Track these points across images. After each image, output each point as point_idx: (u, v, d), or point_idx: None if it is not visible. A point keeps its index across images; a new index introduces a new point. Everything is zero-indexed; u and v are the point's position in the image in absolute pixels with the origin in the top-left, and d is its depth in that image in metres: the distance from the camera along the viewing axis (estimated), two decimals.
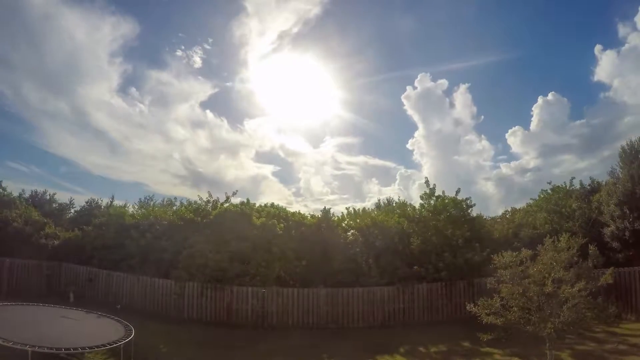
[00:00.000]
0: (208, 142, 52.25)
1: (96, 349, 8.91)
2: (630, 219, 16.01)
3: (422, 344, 13.22)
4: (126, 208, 23.86)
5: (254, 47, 53.29)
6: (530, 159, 45.61)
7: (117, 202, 25.58)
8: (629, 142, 17.51)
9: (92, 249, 19.33)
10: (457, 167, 44.64)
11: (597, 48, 41.46)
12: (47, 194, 27.30)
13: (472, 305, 9.81)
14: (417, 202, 20.27)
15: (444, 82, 45.57)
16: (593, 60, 43.23)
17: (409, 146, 50.39)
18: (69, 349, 8.58)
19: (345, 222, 19.92)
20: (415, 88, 44.69)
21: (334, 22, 53.48)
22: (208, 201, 18.87)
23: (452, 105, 49.03)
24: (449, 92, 48.97)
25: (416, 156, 48.69)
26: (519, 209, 23.42)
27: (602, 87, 44.90)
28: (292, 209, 21.11)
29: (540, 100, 41.99)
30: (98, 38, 45.82)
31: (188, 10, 49.25)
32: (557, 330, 8.87)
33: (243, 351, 12.59)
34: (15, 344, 8.16)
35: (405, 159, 61.03)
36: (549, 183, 21.87)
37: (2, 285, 17.64)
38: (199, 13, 49.78)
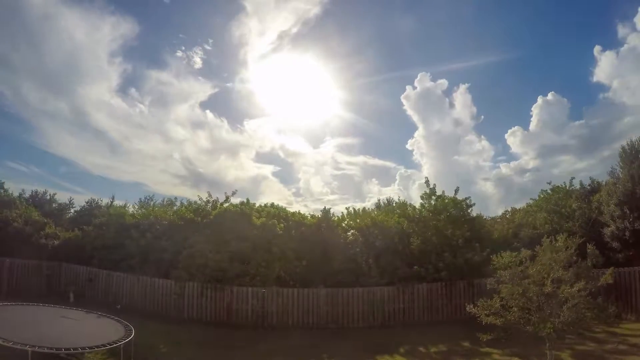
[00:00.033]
0: (208, 142, 52.32)
1: (96, 349, 8.90)
2: (630, 219, 16.01)
3: (422, 344, 13.23)
4: (126, 208, 23.91)
5: (253, 47, 53.35)
6: (529, 159, 45.71)
7: (117, 202, 25.63)
8: (629, 142, 17.52)
9: (92, 249, 19.33)
10: (457, 167, 44.69)
11: (597, 49, 41.54)
12: (47, 194, 27.37)
13: (472, 306, 9.82)
14: (417, 202, 20.32)
15: (443, 82, 45.63)
16: (592, 61, 43.29)
17: (408, 146, 50.47)
18: (69, 349, 8.58)
19: (345, 222, 19.93)
20: (415, 88, 44.73)
21: (333, 22, 53.53)
22: (208, 201, 18.88)
23: (451, 105, 49.08)
24: (448, 92, 49.02)
25: (416, 156, 48.76)
26: (519, 209, 23.44)
27: (602, 87, 44.98)
28: (292, 209, 21.16)
29: (539, 100, 42.07)
30: (98, 38, 45.89)
31: (188, 10, 49.32)
32: (557, 330, 8.88)
33: (243, 351, 12.60)
34: (15, 344, 8.16)
35: (405, 159, 61.10)
36: (549, 183, 21.90)
37: (2, 285, 17.65)
38: (199, 13, 49.83)
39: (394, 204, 24.79)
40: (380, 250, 17.72)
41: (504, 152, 54.17)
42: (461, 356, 12.00)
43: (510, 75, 50.39)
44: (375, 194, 55.49)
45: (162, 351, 11.98)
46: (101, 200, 26.22)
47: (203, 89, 56.74)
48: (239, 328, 15.29)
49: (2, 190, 23.38)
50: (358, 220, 19.34)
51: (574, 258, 9.36)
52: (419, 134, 47.08)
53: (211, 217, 17.90)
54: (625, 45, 40.68)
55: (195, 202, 19.22)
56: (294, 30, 52.01)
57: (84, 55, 46.06)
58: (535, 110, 41.66)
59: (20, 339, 8.37)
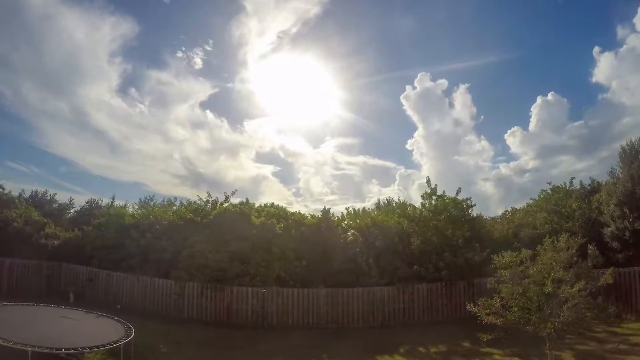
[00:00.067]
0: (208, 142, 52.31)
1: (96, 349, 8.89)
2: (630, 219, 16.02)
3: (422, 344, 13.22)
4: (126, 208, 23.91)
5: (253, 47, 53.34)
6: (528, 160, 45.74)
7: (117, 202, 25.65)
8: (629, 142, 17.54)
9: (92, 249, 19.34)
10: (457, 167, 44.69)
11: (596, 49, 41.56)
12: (47, 194, 27.39)
13: (472, 305, 9.82)
14: (416, 202, 20.37)
15: (443, 82, 45.59)
16: (592, 62, 43.31)
17: (408, 146, 50.46)
18: (69, 349, 8.57)
19: (345, 222, 19.94)
20: (414, 88, 44.71)
21: (333, 22, 53.52)
22: (207, 201, 18.89)
23: (451, 105, 49.07)
24: (448, 92, 49.01)
25: (416, 156, 48.74)
26: (519, 209, 23.46)
27: (601, 88, 44.98)
28: (292, 209, 21.17)
29: (539, 100, 42.06)
30: (97, 38, 45.88)
31: (188, 10, 49.30)
32: (557, 330, 8.88)
33: (243, 351, 12.59)
34: (15, 344, 8.16)
35: (405, 159, 61.10)
36: (549, 183, 21.92)
37: (2, 285, 17.65)
38: (199, 13, 49.83)
39: (394, 204, 24.81)
40: (380, 250, 17.72)
41: (503, 153, 54.22)
42: (461, 356, 11.99)
43: (510, 76, 50.48)
44: (375, 194, 55.53)
45: (162, 351, 11.98)
46: (101, 200, 26.29)
47: (203, 89, 56.79)
48: (239, 328, 15.28)
49: (2, 190, 23.36)
50: (358, 220, 19.34)
51: (575, 258, 9.36)
52: (418, 134, 47.15)
53: (211, 217, 17.90)
54: (625, 46, 40.79)
55: (195, 202, 19.23)
56: (294, 30, 52.05)
57: (84, 55, 46.11)
58: (534, 110, 41.73)
59: (20, 339, 8.36)
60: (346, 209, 20.89)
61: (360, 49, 52.64)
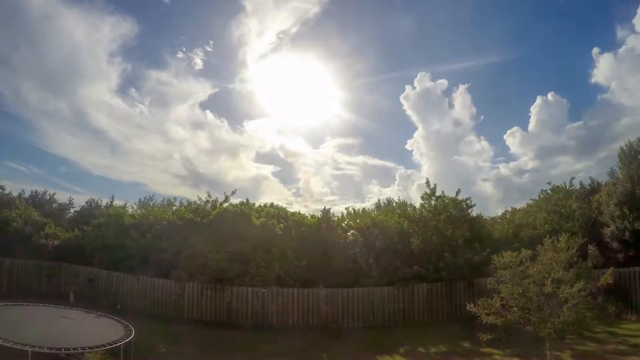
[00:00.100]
0: (208, 143, 52.29)
1: (96, 349, 8.90)
2: (630, 219, 16.02)
3: (422, 344, 13.23)
4: (126, 208, 23.86)
5: (253, 47, 53.28)
6: (528, 160, 45.70)
7: (117, 202, 25.59)
8: (628, 143, 17.55)
9: (92, 249, 19.33)
10: (457, 167, 44.60)
11: (595, 50, 41.53)
12: (47, 194, 27.40)
13: (472, 306, 9.83)
14: (416, 202, 20.35)
15: (443, 82, 45.50)
16: (591, 62, 43.31)
17: (408, 147, 50.36)
18: (69, 349, 8.58)
19: (345, 222, 19.94)
20: (414, 88, 44.67)
21: (333, 22, 53.50)
22: (207, 201, 18.87)
23: (451, 105, 49.03)
24: (448, 93, 48.96)
25: (416, 156, 48.69)
26: (519, 209, 23.44)
27: (600, 89, 44.95)
28: (292, 209, 21.19)
29: (538, 100, 41.99)
30: (97, 38, 45.85)
31: (187, 10, 49.27)
32: (557, 330, 8.88)
33: (243, 351, 12.60)
34: (15, 344, 8.17)
35: (405, 159, 61.07)
36: (549, 183, 21.91)
37: (2, 285, 17.66)
38: (199, 14, 49.79)
39: (394, 204, 24.80)
40: (380, 250, 17.72)
41: (503, 153, 54.16)
42: (461, 356, 12.00)
43: (510, 76, 50.45)
44: (375, 194, 55.52)
45: (162, 351, 11.98)
46: (101, 201, 26.23)
47: (203, 89, 56.77)
48: (239, 328, 15.28)
49: (2, 190, 23.36)
50: (358, 221, 19.34)
51: (575, 258, 9.37)
52: (418, 134, 47.06)
53: (211, 217, 17.89)
54: (624, 47, 40.74)
55: (195, 202, 19.22)
56: (294, 30, 52.04)
57: (84, 55, 46.09)
58: (534, 110, 41.68)
59: (20, 339, 8.37)
60: (346, 209, 20.91)
61: (360, 49, 52.68)
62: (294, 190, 53.91)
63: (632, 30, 39.27)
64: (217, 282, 16.12)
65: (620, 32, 41.60)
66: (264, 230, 17.07)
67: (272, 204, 20.48)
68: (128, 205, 24.83)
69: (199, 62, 49.94)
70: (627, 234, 16.03)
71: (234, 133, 53.30)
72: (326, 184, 50.58)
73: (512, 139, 44.44)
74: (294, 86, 51.33)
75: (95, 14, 45.78)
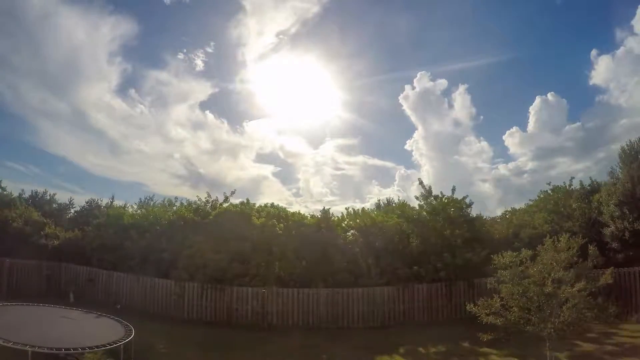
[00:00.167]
0: (208, 143, 52.21)
1: (96, 349, 8.90)
2: (630, 219, 16.01)
3: (421, 345, 13.22)
4: (126, 208, 23.85)
5: (253, 47, 53.17)
6: (527, 161, 45.61)
7: (117, 203, 25.59)
8: (628, 143, 17.55)
9: (92, 249, 19.35)
10: (456, 168, 44.49)
11: (594, 51, 41.42)
12: (47, 194, 27.38)
13: (472, 306, 9.82)
14: (416, 202, 20.29)
15: (443, 82, 45.38)
16: (589, 63, 43.24)
17: (407, 147, 50.24)
18: (69, 349, 8.58)
19: (345, 222, 19.93)
20: (414, 88, 44.60)
21: (333, 21, 53.36)
22: (207, 201, 18.90)
23: (450, 105, 48.96)
24: (447, 93, 48.89)
25: (415, 157, 48.62)
26: (519, 209, 23.44)
27: (598, 90, 44.91)
28: (292, 209, 21.16)
29: (537, 100, 41.85)
30: (97, 38, 45.72)
31: (186, 9, 49.23)
32: (557, 330, 8.88)
33: (243, 352, 12.59)
34: (16, 344, 8.17)
35: (405, 159, 60.99)
36: (549, 184, 21.90)
37: (2, 285, 17.65)
38: (198, 13, 49.71)
39: (394, 205, 24.79)
40: (380, 250, 17.72)
41: (502, 153, 54.08)
42: (460, 357, 11.99)
43: (509, 76, 50.32)
44: (375, 195, 55.46)
45: (162, 351, 11.97)
46: (101, 201, 26.25)
47: (203, 89, 56.75)
48: (239, 328, 15.28)
49: (2, 190, 23.36)
50: (358, 221, 19.33)
51: (575, 259, 9.36)
52: (418, 134, 46.97)
53: (211, 217, 17.91)
54: (622, 48, 40.64)
55: (195, 202, 19.25)
56: (293, 30, 51.96)
57: (84, 55, 45.95)
58: (532, 111, 41.60)
59: (20, 339, 8.38)
60: (346, 209, 20.87)
61: (360, 49, 52.61)
62: (294, 190, 53.84)
63: (631, 32, 39.20)
64: (217, 282, 16.12)
65: (619, 33, 41.58)
66: (264, 231, 17.08)
67: (272, 204, 20.49)
68: (128, 205, 24.85)
69: (199, 63, 49.94)
70: (627, 234, 16.02)
71: (234, 133, 53.27)
72: (326, 184, 50.52)
73: (511, 139, 44.39)
74: (294, 86, 51.25)
75: (95, 14, 45.73)
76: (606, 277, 9.32)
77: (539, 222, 19.50)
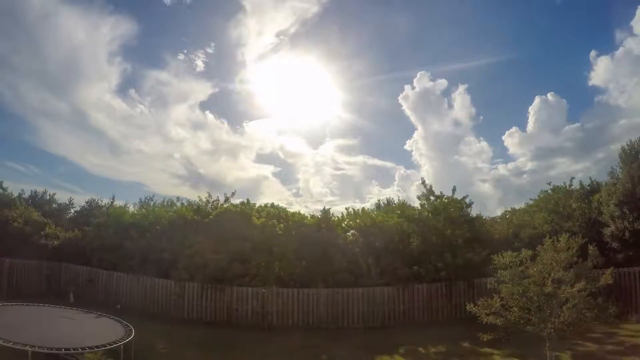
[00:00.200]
0: (208, 143, 52.22)
1: (96, 349, 8.90)
2: (630, 219, 16.01)
3: (421, 345, 13.22)
4: (126, 208, 23.88)
5: (253, 47, 53.15)
6: (526, 161, 45.63)
7: (117, 202, 25.59)
8: (629, 143, 17.55)
9: (92, 249, 19.36)
10: (456, 168, 44.48)
11: (593, 51, 41.47)
12: (47, 194, 27.36)
13: (472, 306, 9.82)
14: (416, 202, 20.34)
15: (443, 82, 45.38)
16: (589, 64, 43.24)
17: (407, 147, 50.23)
18: (69, 349, 8.58)
19: (345, 222, 19.93)
20: (413, 88, 44.58)
21: (333, 21, 53.38)
22: (208, 201, 18.92)
23: (450, 105, 48.94)
24: (447, 93, 48.89)
25: (415, 157, 48.61)
26: (519, 209, 23.45)
27: (597, 90, 44.91)
28: (292, 209, 21.18)
29: (536, 101, 41.87)
30: (97, 38, 45.74)
31: (186, 9, 49.21)
32: (557, 330, 8.88)
33: (243, 352, 12.59)
34: (16, 344, 8.18)
35: (405, 159, 60.96)
36: (549, 184, 21.91)
37: (2, 285, 17.65)
38: (198, 14, 49.73)
39: (394, 205, 24.80)
40: (380, 250, 17.72)
41: (502, 154, 54.05)
42: (461, 357, 11.99)
43: (509, 76, 50.33)
44: (375, 195, 55.46)
45: (162, 351, 11.97)
46: (101, 201, 26.26)
47: (203, 89, 56.79)
48: (239, 328, 15.28)
49: (2, 190, 23.36)
50: (358, 221, 19.33)
51: (575, 259, 9.36)
52: (418, 134, 46.97)
53: (211, 217, 17.92)
54: (621, 49, 40.66)
55: (195, 203, 19.26)
56: (293, 30, 51.97)
57: (84, 55, 45.98)
58: (532, 111, 41.60)
59: (20, 339, 8.38)
60: (346, 209, 20.87)
61: (360, 49, 52.60)
62: (294, 190, 53.83)
63: (630, 33, 39.21)
64: (217, 282, 16.12)
65: (619, 34, 41.59)
66: (264, 231, 17.08)
67: (272, 204, 20.51)
68: (128, 205, 24.88)
69: (199, 63, 49.94)
70: (627, 234, 16.02)
71: (234, 133, 53.27)
72: (326, 184, 50.52)
73: (511, 139, 44.39)
74: (294, 86, 51.24)
75: (95, 14, 45.73)
76: (606, 277, 9.32)
77: (539, 222, 19.50)
